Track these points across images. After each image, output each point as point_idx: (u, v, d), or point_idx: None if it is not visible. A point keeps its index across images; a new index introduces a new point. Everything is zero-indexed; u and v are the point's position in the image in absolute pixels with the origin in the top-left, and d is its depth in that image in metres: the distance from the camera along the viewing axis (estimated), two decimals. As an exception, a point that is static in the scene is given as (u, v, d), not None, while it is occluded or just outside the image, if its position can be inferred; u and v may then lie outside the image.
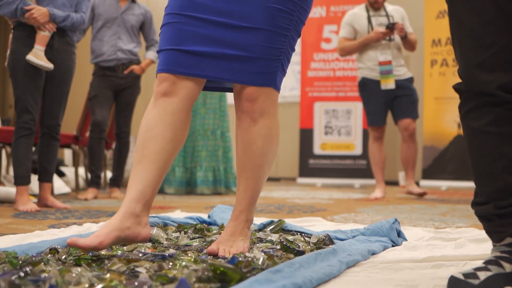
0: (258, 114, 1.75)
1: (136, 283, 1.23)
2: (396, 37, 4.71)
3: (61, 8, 3.58)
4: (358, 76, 4.81)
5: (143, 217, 1.65)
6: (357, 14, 4.80)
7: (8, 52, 3.56)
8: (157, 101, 1.73)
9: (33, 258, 1.48)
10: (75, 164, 5.33)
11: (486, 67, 1.35)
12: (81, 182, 5.63)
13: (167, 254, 1.56)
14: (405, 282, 1.42)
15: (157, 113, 1.71)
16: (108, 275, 1.32)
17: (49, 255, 1.59)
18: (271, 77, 1.74)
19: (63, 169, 5.69)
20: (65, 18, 3.55)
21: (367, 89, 4.69)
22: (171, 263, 1.45)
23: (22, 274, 1.25)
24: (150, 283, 1.24)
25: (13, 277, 1.19)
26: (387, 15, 4.73)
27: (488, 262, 1.34)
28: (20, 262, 1.43)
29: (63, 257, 1.55)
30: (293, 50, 1.81)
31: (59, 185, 4.90)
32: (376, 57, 4.65)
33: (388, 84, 4.58)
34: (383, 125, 4.70)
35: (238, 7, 1.70)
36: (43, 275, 1.29)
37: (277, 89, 1.78)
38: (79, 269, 1.36)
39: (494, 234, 1.41)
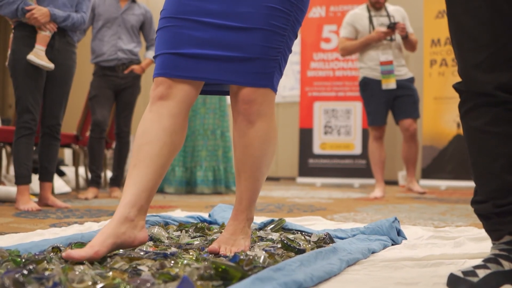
0: (255, 116, 1.75)
1: (138, 281, 1.24)
2: (397, 37, 4.72)
3: (62, 8, 3.59)
4: (359, 76, 4.82)
5: (138, 221, 1.63)
6: (358, 14, 4.81)
7: (9, 52, 3.58)
8: (153, 105, 1.72)
9: (36, 257, 1.49)
10: (75, 164, 5.34)
11: (484, 67, 1.36)
12: (81, 182, 5.64)
13: (168, 253, 1.57)
14: (405, 280, 1.43)
15: (153, 117, 1.71)
16: (110, 273, 1.34)
17: (52, 254, 1.60)
18: (269, 78, 1.74)
19: (63, 168, 5.70)
20: (66, 18, 3.56)
21: (368, 88, 4.71)
22: (172, 261, 1.46)
23: (25, 272, 1.27)
24: (152, 280, 1.25)
25: (17, 275, 1.21)
26: (388, 15, 4.75)
27: (487, 260, 1.36)
28: (23, 260, 1.44)
29: (66, 251, 1.56)
30: (290, 51, 1.81)
31: (59, 184, 4.91)
32: (377, 57, 4.66)
33: (389, 84, 4.59)
34: (384, 125, 4.71)
35: (234, 8, 1.70)
36: (47, 273, 1.30)
37: (274, 90, 1.77)
38: (81, 267, 1.38)
39: (493, 232, 1.42)
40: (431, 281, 1.41)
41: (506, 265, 1.34)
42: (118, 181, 4.79)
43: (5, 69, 10.12)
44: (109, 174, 5.91)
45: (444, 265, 1.64)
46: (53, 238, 1.91)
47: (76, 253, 1.46)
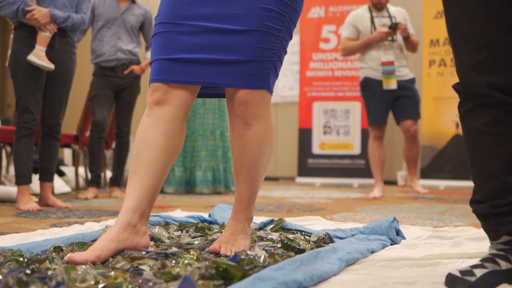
0: (252, 118, 1.75)
1: (140, 281, 1.26)
2: (399, 37, 4.74)
3: (62, 9, 3.60)
4: (360, 76, 4.84)
5: (140, 227, 1.65)
6: (360, 14, 4.84)
7: (9, 52, 3.59)
8: (150, 110, 1.74)
9: (38, 256, 1.50)
10: (75, 164, 5.35)
11: (481, 68, 1.37)
12: (81, 182, 5.65)
13: (169, 252, 1.59)
14: (403, 279, 1.44)
15: (151, 122, 1.72)
16: (112, 272, 1.35)
17: (54, 254, 1.61)
18: (264, 79, 1.74)
19: (63, 168, 5.71)
20: (66, 19, 3.57)
21: (369, 89, 4.72)
22: (174, 261, 1.47)
23: (28, 271, 1.28)
24: (154, 280, 1.26)
25: (20, 274, 1.22)
26: (389, 16, 4.77)
27: (484, 259, 1.38)
28: (26, 260, 1.45)
29: (68, 255, 1.57)
30: (285, 52, 1.81)
31: (59, 184, 4.93)
32: (378, 57, 4.68)
33: (390, 84, 4.61)
34: (384, 125, 4.73)
35: (228, 10, 1.71)
36: (49, 272, 1.31)
37: (270, 91, 1.78)
38: (84, 266, 1.39)
39: (491, 232, 1.44)
40: (429, 281, 1.42)
41: (503, 264, 1.36)
42: (118, 181, 4.80)
43: (5, 69, 10.11)
44: (108, 174, 5.92)
45: (443, 265, 1.66)
46: (54, 238, 1.92)
47: (78, 256, 1.47)
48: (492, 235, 1.44)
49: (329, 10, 7.11)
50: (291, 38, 1.82)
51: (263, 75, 1.74)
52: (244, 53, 1.71)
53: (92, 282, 1.27)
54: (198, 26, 1.71)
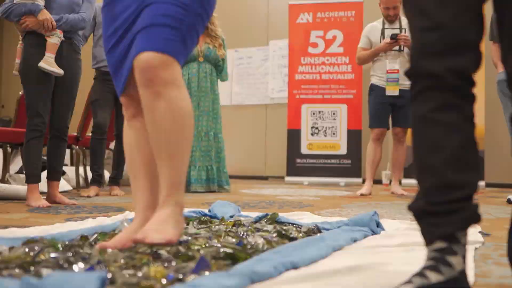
0: (161, 85, 1.68)
1: (163, 261, 1.51)
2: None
3: (58, 13, 3.80)
4: (370, 81, 5.22)
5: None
6: (374, 26, 5.22)
7: (17, 60, 3.82)
8: (129, 121, 1.94)
9: (72, 243, 1.75)
10: (76, 164, 5.56)
11: (435, 48, 1.25)
12: (81, 181, 5.84)
13: (182, 240, 1.84)
14: (381, 261, 1.70)
15: (132, 132, 1.92)
16: (137, 255, 1.60)
17: (81, 241, 1.86)
18: (168, 44, 1.70)
19: (63, 168, 5.89)
20: (59, 20, 3.76)
21: (374, 94, 5.15)
22: (186, 247, 1.73)
23: (71, 254, 1.53)
24: (173, 260, 1.51)
25: (67, 255, 1.47)
26: (400, 28, 5.09)
27: (414, 274, 1.20)
28: (62, 246, 1.70)
29: (93, 242, 1.82)
30: (202, 30, 1.83)
31: (61, 183, 5.11)
32: (385, 66, 5.04)
33: (393, 91, 4.98)
34: (384, 128, 5.11)
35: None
36: (87, 253, 1.57)
37: (178, 60, 1.73)
38: (110, 250, 1.64)
39: (426, 234, 1.29)
40: (403, 261, 1.67)
41: (433, 277, 1.18)
42: (117, 180, 5.03)
43: (2, 71, 10.30)
44: (106, 173, 6.10)
45: (416, 251, 1.90)
46: (78, 229, 2.16)
47: (109, 244, 1.69)
48: (427, 238, 1.28)
49: (317, 16, 7.38)
50: (208, 18, 1.84)
51: (167, 40, 1.70)
52: (142, 21, 1.75)
53: (122, 261, 1.52)
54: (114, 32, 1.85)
